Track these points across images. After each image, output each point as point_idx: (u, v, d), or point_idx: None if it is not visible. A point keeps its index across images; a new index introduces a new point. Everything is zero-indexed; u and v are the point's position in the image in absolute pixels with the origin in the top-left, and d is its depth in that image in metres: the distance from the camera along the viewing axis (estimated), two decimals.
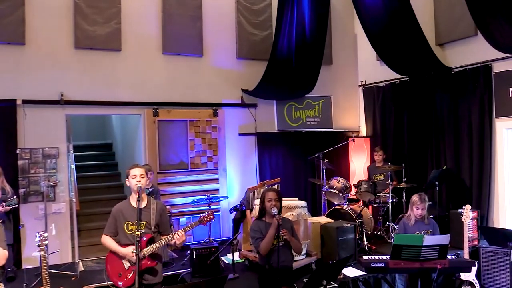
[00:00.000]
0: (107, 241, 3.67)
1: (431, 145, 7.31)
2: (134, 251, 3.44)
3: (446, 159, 7.04)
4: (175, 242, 3.62)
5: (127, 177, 3.67)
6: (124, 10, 6.71)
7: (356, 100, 8.82)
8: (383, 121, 8.16)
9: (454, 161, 6.92)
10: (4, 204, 4.97)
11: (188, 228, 3.70)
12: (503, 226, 6.21)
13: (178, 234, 3.59)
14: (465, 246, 4.69)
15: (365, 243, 6.20)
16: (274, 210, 3.85)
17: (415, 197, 4.68)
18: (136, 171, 3.64)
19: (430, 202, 6.45)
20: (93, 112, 6.80)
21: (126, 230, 3.59)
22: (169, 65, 7.09)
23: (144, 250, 3.54)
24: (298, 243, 4.08)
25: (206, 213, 3.86)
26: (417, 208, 4.63)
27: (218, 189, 7.27)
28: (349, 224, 5.74)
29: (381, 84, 8.18)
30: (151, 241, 3.59)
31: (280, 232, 3.79)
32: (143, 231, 3.55)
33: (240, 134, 7.62)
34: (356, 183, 7.15)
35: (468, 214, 4.79)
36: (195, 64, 7.27)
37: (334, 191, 6.86)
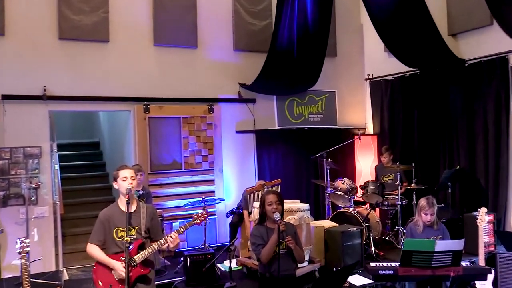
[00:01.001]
0: (94, 251, 3.62)
1: (444, 143, 7.31)
2: (123, 268, 3.43)
3: (459, 158, 7.05)
4: (168, 245, 3.62)
5: (115, 180, 3.66)
6: None
7: (363, 95, 8.81)
8: (391, 118, 8.16)
9: (468, 160, 6.93)
10: None
11: (182, 230, 3.68)
12: None
13: (171, 237, 3.59)
14: (480, 252, 4.68)
15: (373, 248, 6.20)
16: (277, 216, 3.84)
17: (422, 202, 4.66)
18: (126, 173, 3.63)
19: (442, 205, 6.49)
20: (79, 108, 6.77)
21: (115, 236, 3.58)
22: (161, 58, 7.08)
23: (135, 257, 3.54)
24: (301, 251, 4.07)
25: (200, 212, 3.86)
26: (425, 213, 4.61)
27: (213, 191, 7.28)
28: (355, 229, 5.73)
29: (389, 78, 8.18)
30: (141, 247, 3.59)
31: (285, 240, 3.77)
32: (134, 237, 3.54)
33: (237, 132, 7.62)
34: (362, 184, 7.13)
35: (483, 218, 4.78)
36: (189, 56, 7.26)
37: (339, 193, 6.86)
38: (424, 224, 4.64)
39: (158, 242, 3.61)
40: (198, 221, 3.80)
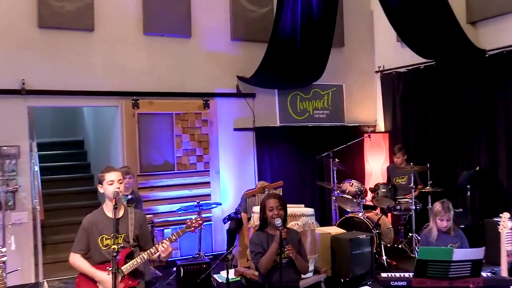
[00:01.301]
0: (78, 261, 3.62)
1: (462, 142, 7.30)
2: (111, 269, 3.39)
3: (479, 158, 7.03)
4: (159, 255, 3.61)
5: (100, 183, 3.66)
6: None
7: (373, 89, 8.81)
8: (404, 114, 8.16)
9: (489, 161, 6.92)
10: None
11: (174, 238, 3.69)
12: None
13: (163, 246, 3.58)
14: (502, 262, 4.65)
15: (384, 257, 6.22)
16: (278, 221, 3.84)
17: (437, 206, 4.61)
18: (113, 175, 3.63)
19: (461, 210, 6.48)
20: (61, 103, 6.77)
21: (101, 245, 3.57)
22: (151, 48, 7.07)
23: (123, 268, 3.53)
24: (305, 262, 4.06)
25: (194, 218, 3.85)
26: (441, 219, 4.59)
27: (209, 195, 7.28)
28: (364, 236, 5.74)
29: (402, 70, 8.17)
30: (129, 257, 3.58)
31: (285, 249, 3.75)
32: (121, 245, 3.53)
33: (235, 130, 7.62)
34: (372, 186, 7.15)
35: (506, 224, 4.75)
36: (182, 47, 7.25)
37: (347, 197, 6.85)
38: (440, 231, 4.62)
39: (148, 251, 3.60)
40: (192, 228, 3.79)
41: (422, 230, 6.52)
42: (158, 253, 3.59)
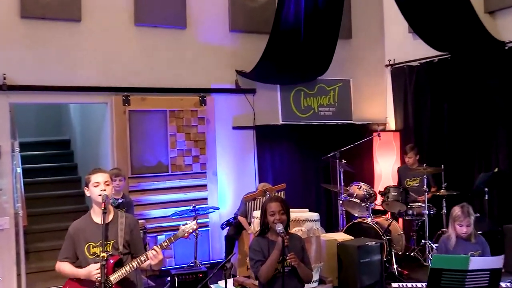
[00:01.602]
0: (65, 267, 3.63)
1: (479, 141, 7.30)
2: (97, 270, 3.41)
3: (498, 159, 7.03)
4: (149, 263, 3.59)
5: (87, 186, 3.66)
6: None
7: (383, 84, 8.82)
8: (417, 111, 8.15)
9: (508, 162, 6.91)
10: None
11: (166, 244, 3.66)
12: None
13: (152, 252, 3.56)
14: None
15: (395, 266, 6.21)
16: (279, 227, 3.82)
17: (456, 211, 4.59)
18: (99, 177, 3.63)
19: (478, 215, 6.44)
20: (45, 100, 6.76)
21: (87, 253, 3.57)
22: (143, 40, 7.07)
23: (111, 277, 3.52)
24: (308, 270, 4.05)
25: (189, 223, 3.82)
26: (460, 225, 4.57)
27: (206, 198, 7.28)
28: (373, 242, 5.74)
29: (415, 64, 8.17)
30: (119, 265, 3.56)
31: (286, 257, 3.75)
32: (110, 253, 3.52)
33: (234, 128, 7.62)
34: (382, 189, 7.14)
35: None
36: (177, 38, 7.25)
37: (355, 200, 6.86)
38: (459, 238, 4.60)
39: (137, 259, 3.59)
40: (186, 234, 3.77)
41: (436, 236, 6.55)
42: (148, 262, 3.58)
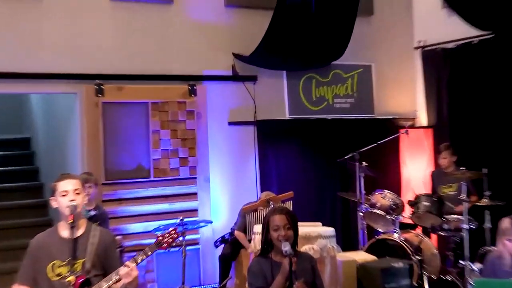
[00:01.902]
0: None
1: None
2: None
3: None
4: (123, 283, 3.53)
5: (53, 195, 3.67)
6: None
7: (411, 70, 8.87)
8: (453, 103, 8.18)
9: None
10: None
11: (140, 259, 3.62)
12: None
13: (124, 269, 3.51)
14: None
15: None
16: (286, 247, 3.80)
17: (505, 223, 4.63)
18: (68, 185, 3.63)
19: None
20: (1, 90, 6.74)
21: (51, 274, 3.55)
22: (120, 18, 7.09)
23: None
24: None
25: (167, 232, 3.80)
26: (510, 240, 4.56)
27: (197, 210, 7.28)
28: (401, 264, 5.75)
29: (450, 45, 8.22)
30: (86, 286, 3.50)
31: (294, 285, 3.72)
32: (78, 274, 3.49)
33: (230, 124, 7.65)
34: (412, 199, 7.11)
35: None
36: (162, 15, 7.28)
37: (378, 212, 6.84)
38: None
39: (107, 278, 3.54)
40: (165, 245, 3.74)
41: (478, 256, 6.44)
42: (121, 281, 3.52)
